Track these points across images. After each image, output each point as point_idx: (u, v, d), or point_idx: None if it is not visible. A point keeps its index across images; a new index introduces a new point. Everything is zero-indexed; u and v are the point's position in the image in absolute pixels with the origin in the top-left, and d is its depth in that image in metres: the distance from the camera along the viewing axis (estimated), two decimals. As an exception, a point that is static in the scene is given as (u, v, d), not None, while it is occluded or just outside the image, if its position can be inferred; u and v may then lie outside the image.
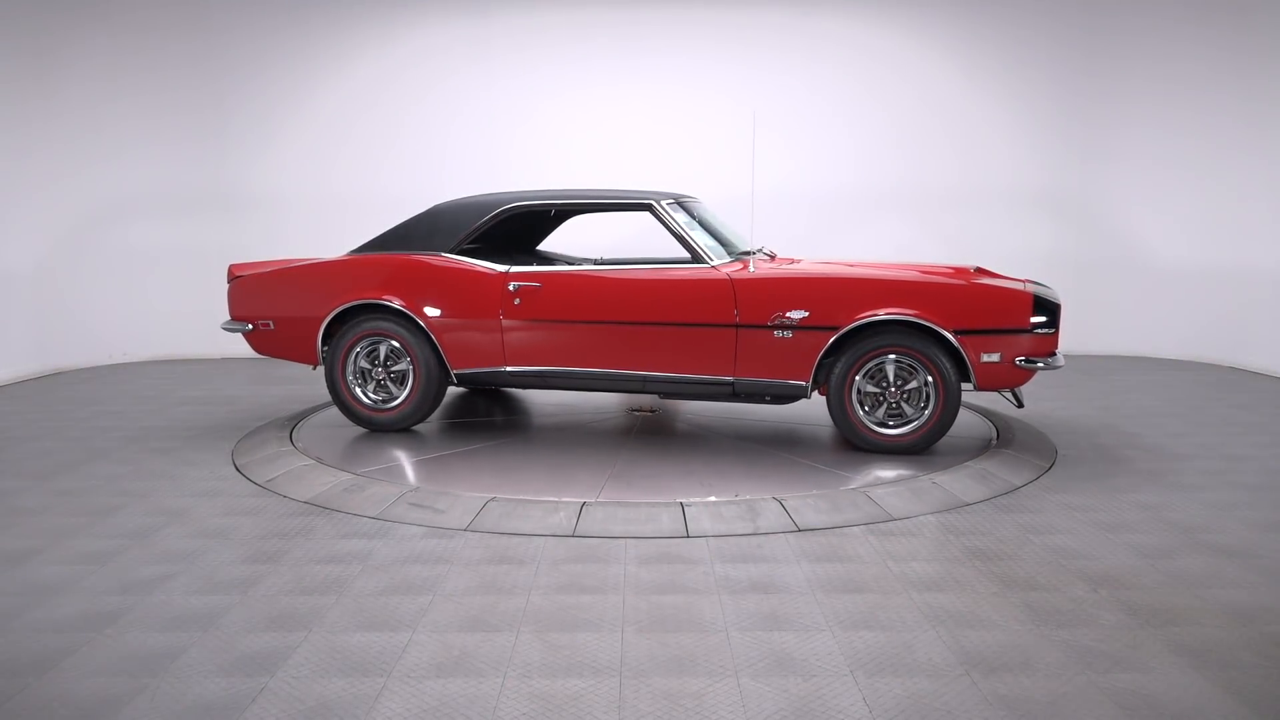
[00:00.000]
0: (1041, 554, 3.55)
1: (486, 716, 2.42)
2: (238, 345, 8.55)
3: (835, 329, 4.63)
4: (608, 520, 3.86)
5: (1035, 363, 4.59)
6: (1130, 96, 8.34)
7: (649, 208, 5.03)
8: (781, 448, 4.91)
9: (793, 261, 5.38)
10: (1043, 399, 6.36)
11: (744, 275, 4.81)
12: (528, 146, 8.41)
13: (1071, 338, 7.91)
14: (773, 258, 5.44)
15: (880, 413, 4.75)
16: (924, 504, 4.08)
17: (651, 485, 4.27)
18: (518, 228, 6.05)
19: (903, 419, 4.74)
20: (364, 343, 5.29)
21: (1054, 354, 4.69)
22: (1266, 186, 7.63)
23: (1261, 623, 2.95)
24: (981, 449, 4.89)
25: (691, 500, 4.02)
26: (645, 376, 4.98)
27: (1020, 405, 5.02)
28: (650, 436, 5.25)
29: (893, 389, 4.71)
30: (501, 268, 5.12)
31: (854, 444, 4.81)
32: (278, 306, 5.51)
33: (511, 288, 5.04)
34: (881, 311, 4.59)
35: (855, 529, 3.82)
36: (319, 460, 4.74)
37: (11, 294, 7.51)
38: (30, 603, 3.14)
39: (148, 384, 7.32)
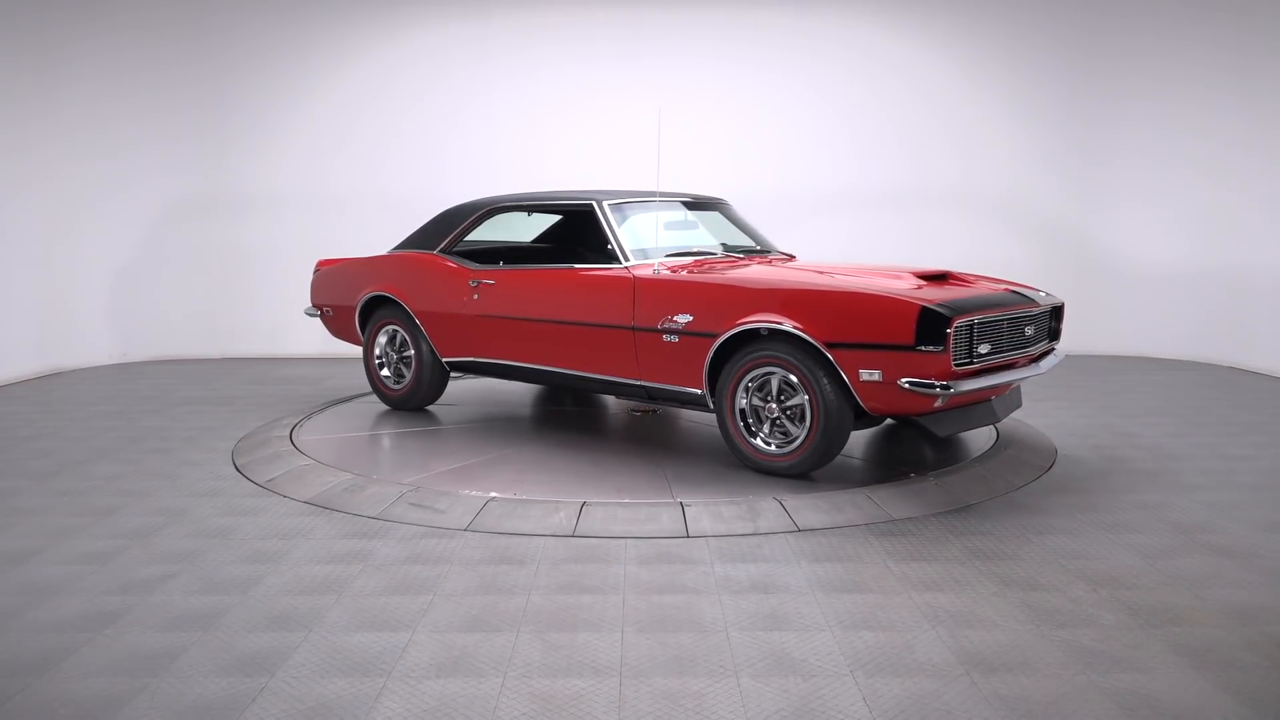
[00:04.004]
0: (1041, 554, 3.55)
1: (486, 716, 2.42)
2: (238, 345, 8.59)
3: (715, 335, 4.37)
4: (608, 520, 3.86)
5: (921, 386, 3.90)
6: (1130, 96, 8.34)
7: (590, 208, 5.09)
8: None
9: (789, 260, 5.34)
10: (1042, 399, 6.36)
11: (646, 277, 4.69)
12: (528, 147, 8.41)
13: (1071, 338, 7.91)
14: (790, 259, 5.39)
15: (766, 429, 4.38)
16: (924, 504, 4.08)
17: (651, 485, 4.28)
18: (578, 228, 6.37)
19: (787, 438, 4.33)
20: (385, 330, 5.96)
21: (957, 378, 3.96)
22: (1266, 186, 7.63)
23: (1261, 623, 2.95)
24: (981, 449, 4.89)
25: (691, 500, 4.02)
26: (575, 375, 5.02)
27: (940, 438, 4.32)
28: (650, 436, 5.25)
29: (771, 404, 4.32)
30: (473, 265, 5.48)
31: (740, 463, 4.49)
32: (333, 297, 6.30)
33: (471, 284, 5.39)
34: (755, 319, 4.23)
35: (855, 529, 3.82)
36: (319, 460, 4.74)
37: (11, 294, 7.51)
38: (30, 603, 3.14)
39: (148, 384, 7.32)
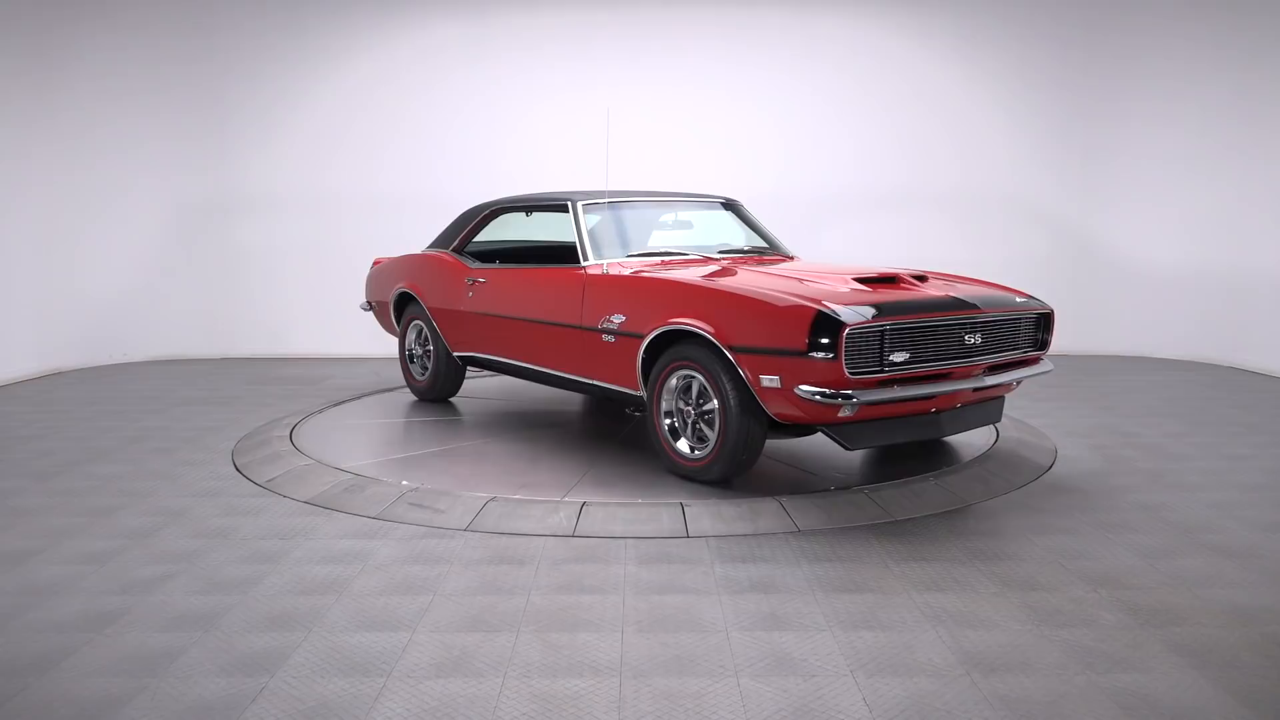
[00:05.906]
0: (1042, 554, 3.55)
1: (486, 716, 2.42)
2: (238, 345, 8.59)
3: (643, 336, 4.30)
4: (608, 520, 3.86)
5: (819, 395, 3.68)
6: (1130, 96, 8.34)
7: (565, 207, 5.13)
8: (782, 448, 4.91)
9: (783, 261, 5.28)
10: (1042, 399, 6.36)
11: (594, 275, 4.68)
12: (527, 146, 8.41)
13: (1071, 338, 7.92)
14: (786, 260, 5.32)
15: (689, 433, 4.28)
16: (924, 504, 4.08)
17: (651, 485, 4.28)
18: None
19: (703, 443, 4.22)
20: (414, 325, 6.24)
21: (859, 387, 3.74)
22: (1266, 186, 7.63)
23: (1261, 623, 2.95)
24: (981, 449, 4.89)
25: (691, 500, 4.02)
26: (547, 373, 5.08)
27: (847, 449, 4.03)
28: (623, 437, 5.23)
29: (689, 407, 4.23)
30: (474, 264, 5.66)
31: (666, 466, 4.41)
32: (376, 293, 6.68)
33: (467, 281, 5.59)
34: (675, 321, 4.13)
35: (855, 529, 3.82)
36: (319, 460, 4.74)
37: (12, 294, 7.51)
38: (30, 603, 3.14)
39: (148, 384, 7.32)
